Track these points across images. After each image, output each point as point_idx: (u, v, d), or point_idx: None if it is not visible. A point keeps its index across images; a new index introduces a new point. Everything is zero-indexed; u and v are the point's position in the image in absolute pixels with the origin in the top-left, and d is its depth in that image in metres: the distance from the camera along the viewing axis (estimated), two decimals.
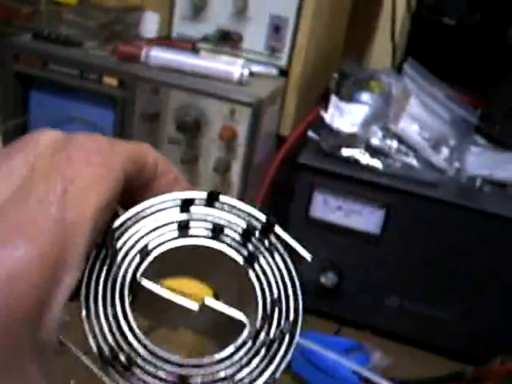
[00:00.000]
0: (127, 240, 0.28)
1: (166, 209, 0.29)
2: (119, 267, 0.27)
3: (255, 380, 0.26)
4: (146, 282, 0.28)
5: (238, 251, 0.29)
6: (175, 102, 0.88)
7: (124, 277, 0.27)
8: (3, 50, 0.91)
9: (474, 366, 0.77)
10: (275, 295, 0.28)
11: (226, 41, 0.96)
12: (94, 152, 0.26)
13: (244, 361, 0.27)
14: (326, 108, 0.90)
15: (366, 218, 0.85)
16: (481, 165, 0.86)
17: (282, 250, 0.29)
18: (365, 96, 0.95)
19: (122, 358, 0.26)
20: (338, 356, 0.80)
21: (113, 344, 0.26)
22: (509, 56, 0.95)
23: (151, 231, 0.29)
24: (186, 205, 0.29)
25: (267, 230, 0.29)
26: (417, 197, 0.82)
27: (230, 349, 0.27)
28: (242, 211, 0.30)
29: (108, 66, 0.89)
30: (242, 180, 0.90)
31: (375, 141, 0.85)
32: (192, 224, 0.29)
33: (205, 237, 0.29)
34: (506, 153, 0.90)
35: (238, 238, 0.29)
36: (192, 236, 0.29)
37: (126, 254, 0.28)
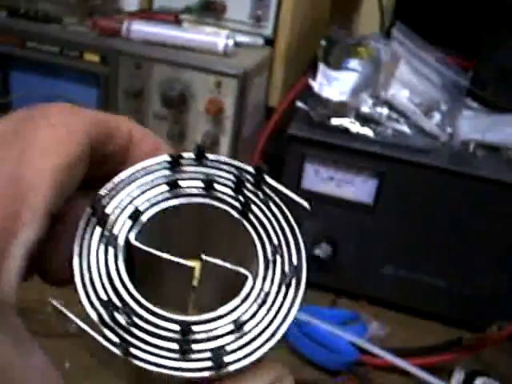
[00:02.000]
0: (117, 205, 0.28)
1: (154, 171, 0.29)
2: (111, 233, 0.27)
3: (263, 332, 0.26)
4: (138, 244, 0.27)
5: (231, 204, 0.28)
6: (159, 77, 0.85)
7: (116, 241, 0.27)
8: None
9: (472, 333, 0.76)
10: (275, 243, 0.28)
11: (209, 11, 0.93)
12: (56, 116, 0.26)
13: (251, 312, 0.26)
14: (314, 77, 0.88)
15: (358, 188, 0.84)
16: (473, 129, 0.85)
17: (276, 199, 0.29)
18: (353, 63, 0.92)
19: (121, 319, 0.25)
20: (335, 328, 0.79)
21: (109, 306, 0.25)
22: (500, 15, 0.93)
23: (141, 194, 0.28)
24: (173, 165, 0.29)
25: (259, 180, 0.29)
26: (409, 164, 0.81)
27: (235, 302, 0.26)
28: (231, 165, 0.29)
29: (88, 42, 0.87)
30: (231, 153, 0.88)
31: (365, 108, 0.83)
32: (182, 183, 0.29)
33: (196, 194, 0.29)
34: (498, 115, 0.89)
35: (229, 191, 0.29)
36: (183, 195, 0.29)
37: (117, 218, 0.27)
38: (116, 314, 0.25)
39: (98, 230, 0.27)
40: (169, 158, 0.29)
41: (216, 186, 0.29)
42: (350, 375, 0.78)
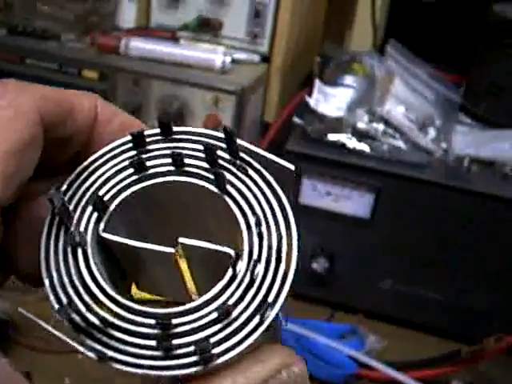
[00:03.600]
0: (80, 199, 0.25)
1: (117, 155, 0.26)
2: (77, 228, 0.25)
3: (254, 315, 0.23)
4: (106, 235, 0.25)
5: (206, 178, 0.25)
6: (157, 93, 0.86)
7: (84, 236, 0.24)
8: None
9: (469, 346, 0.77)
10: (258, 213, 0.24)
11: (206, 28, 0.94)
12: (1, 94, 0.24)
13: (237, 295, 0.23)
14: (310, 93, 0.89)
15: (355, 203, 0.84)
16: (467, 144, 0.86)
17: (255, 164, 0.25)
18: (349, 79, 0.94)
19: (95, 320, 0.23)
20: (333, 342, 0.80)
21: (82, 309, 0.23)
22: (491, 32, 0.95)
23: (105, 182, 0.25)
24: (138, 144, 0.26)
25: (232, 146, 0.25)
26: (405, 179, 0.82)
27: (219, 286, 0.23)
28: (201, 135, 0.26)
29: (87, 59, 0.88)
30: None
31: (361, 124, 0.84)
32: (149, 163, 0.26)
33: (166, 173, 0.26)
34: (492, 130, 0.90)
35: (202, 164, 0.26)
36: (152, 175, 0.26)
37: (82, 213, 0.25)
38: (89, 316, 0.23)
39: (63, 228, 0.24)
40: (131, 137, 0.26)
41: (186, 160, 0.25)
42: None
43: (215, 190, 0.25)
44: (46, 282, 0.24)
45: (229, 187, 0.25)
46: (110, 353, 0.22)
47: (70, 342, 0.23)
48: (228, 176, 0.25)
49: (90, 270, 0.24)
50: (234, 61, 0.90)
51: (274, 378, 0.22)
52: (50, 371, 0.76)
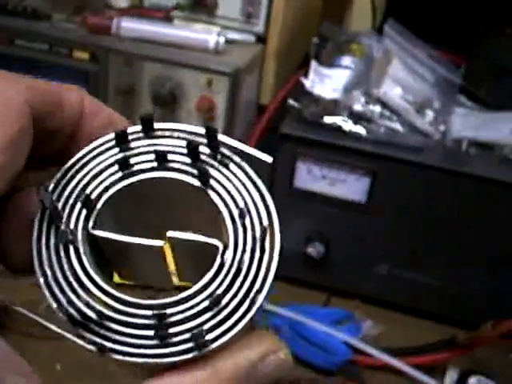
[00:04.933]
0: (68, 197, 0.26)
1: (102, 153, 0.27)
2: (67, 226, 0.26)
3: (241, 303, 0.24)
4: (97, 232, 0.26)
5: (189, 173, 0.27)
6: (150, 74, 0.84)
7: (75, 234, 0.26)
8: None
9: (466, 331, 0.76)
10: (241, 205, 0.26)
11: (200, 8, 0.92)
12: None
13: (226, 284, 0.25)
14: (306, 74, 0.87)
15: (351, 186, 0.83)
16: (466, 126, 0.84)
17: (236, 158, 0.27)
18: (346, 60, 0.92)
19: (92, 314, 0.24)
20: (328, 327, 0.79)
21: (78, 303, 0.24)
22: (492, 12, 0.92)
23: (91, 180, 0.26)
24: (121, 142, 0.27)
25: (213, 141, 0.27)
26: (402, 162, 0.80)
27: (208, 275, 0.25)
28: (182, 131, 0.27)
29: (78, 40, 0.86)
30: None
31: (358, 106, 0.82)
32: (133, 160, 0.27)
33: (150, 169, 0.27)
34: (491, 113, 0.88)
35: (185, 159, 0.27)
36: (137, 172, 0.27)
37: (71, 211, 0.26)
38: (86, 310, 0.24)
39: (54, 226, 0.26)
40: (115, 135, 0.27)
41: (169, 156, 0.27)
42: (344, 374, 0.78)
43: (199, 184, 0.26)
44: (41, 280, 0.25)
45: (212, 181, 0.26)
46: (110, 344, 0.24)
47: (71, 336, 0.24)
48: (210, 171, 0.26)
49: (83, 267, 0.25)
50: (228, 41, 0.88)
51: (262, 362, 0.25)
52: (42, 357, 0.75)
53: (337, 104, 0.83)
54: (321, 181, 0.83)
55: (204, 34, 0.87)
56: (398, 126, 0.82)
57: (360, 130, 0.81)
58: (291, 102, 0.84)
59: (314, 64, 0.88)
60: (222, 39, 0.86)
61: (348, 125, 0.82)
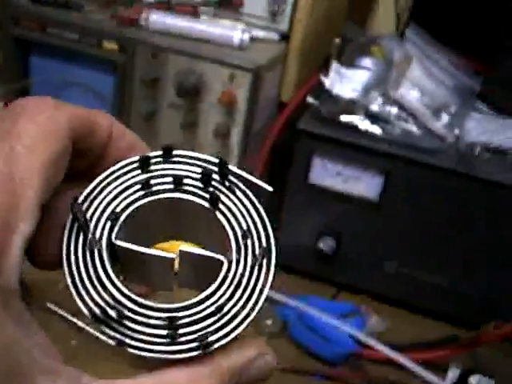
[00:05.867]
0: (95, 209, 0.30)
1: (126, 173, 0.31)
2: (93, 235, 0.29)
3: (240, 311, 0.28)
4: (120, 243, 0.29)
5: (201, 196, 0.30)
6: (175, 67, 0.87)
7: (100, 242, 0.29)
8: (2, 13, 0.91)
9: (468, 331, 0.78)
10: (244, 227, 0.30)
11: (227, 5, 0.95)
12: (39, 111, 0.28)
13: (228, 294, 0.28)
14: (326, 73, 0.89)
15: (365, 184, 0.85)
16: (481, 131, 0.86)
17: (242, 186, 0.31)
18: (366, 61, 0.94)
19: (113, 313, 0.27)
20: (334, 320, 0.81)
21: (101, 303, 0.28)
22: None
23: (116, 196, 0.30)
24: (144, 165, 0.31)
25: (223, 170, 0.31)
26: (416, 163, 0.82)
27: (213, 286, 0.29)
28: (197, 159, 0.31)
29: (107, 31, 0.89)
30: (242, 145, 0.90)
31: (375, 107, 0.84)
32: (153, 181, 0.31)
33: (167, 190, 0.31)
34: (506, 119, 0.90)
35: (198, 184, 0.31)
36: (155, 192, 0.31)
37: (97, 222, 0.30)
38: (108, 310, 0.27)
39: (82, 234, 0.29)
40: (140, 158, 0.31)
41: (185, 180, 0.31)
42: (348, 366, 0.80)
43: (209, 206, 0.30)
44: (69, 280, 0.28)
45: (220, 205, 0.30)
46: (127, 340, 0.27)
47: (93, 332, 0.29)
48: (220, 195, 0.30)
49: (106, 271, 0.29)
50: (252, 38, 0.90)
51: (253, 362, 0.29)
52: (58, 332, 0.78)
53: (355, 103, 0.85)
54: (335, 177, 0.86)
55: (229, 31, 0.89)
56: (413, 128, 0.84)
57: (376, 129, 0.84)
58: (310, 99, 0.86)
59: (334, 64, 0.90)
60: (246, 36, 0.88)
61: (364, 124, 0.84)
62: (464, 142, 0.84)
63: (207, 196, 0.30)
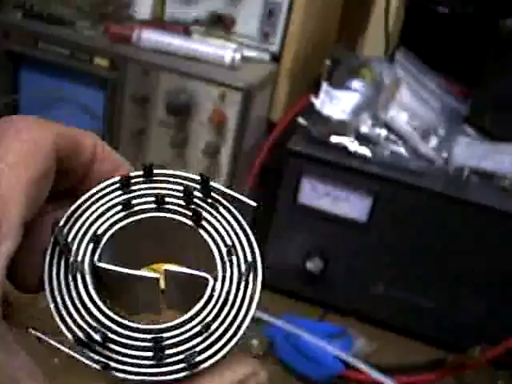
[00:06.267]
0: (77, 232, 0.29)
1: (107, 194, 0.30)
2: (75, 258, 0.29)
3: (227, 329, 0.27)
4: (102, 264, 0.29)
5: (184, 214, 0.30)
6: (166, 85, 0.87)
7: (82, 265, 0.29)
8: None
9: (454, 354, 0.78)
10: (229, 243, 0.29)
11: (219, 24, 0.95)
12: (25, 129, 0.27)
13: (215, 312, 0.28)
14: (316, 94, 0.90)
15: (353, 206, 0.85)
16: (469, 155, 0.87)
17: (225, 202, 0.30)
18: (356, 83, 0.95)
19: (97, 337, 0.27)
20: (321, 341, 0.81)
21: (85, 327, 0.27)
22: (501, 47, 0.95)
23: (98, 218, 0.30)
24: (125, 185, 0.30)
25: (205, 187, 0.30)
26: (404, 185, 0.83)
27: (200, 304, 0.28)
28: (179, 177, 0.31)
29: (99, 47, 0.89)
30: (231, 164, 0.90)
31: (364, 129, 0.85)
32: (135, 201, 0.30)
33: (149, 209, 0.30)
34: (494, 144, 0.90)
35: (180, 202, 0.30)
36: (138, 212, 0.30)
37: (79, 244, 0.29)
38: (92, 333, 0.27)
39: (64, 258, 0.28)
40: (120, 179, 0.30)
41: (167, 199, 0.30)
42: None
43: (192, 224, 0.30)
44: (52, 305, 0.28)
45: (204, 222, 0.30)
46: (112, 364, 0.26)
47: (77, 356, 0.27)
48: (203, 213, 0.30)
49: (90, 294, 0.28)
50: (243, 58, 0.91)
51: (244, 382, 0.28)
52: (40, 350, 0.77)
53: (344, 125, 0.86)
54: (324, 198, 0.86)
55: (221, 50, 0.89)
56: (402, 150, 0.85)
57: (365, 151, 0.84)
58: (300, 120, 0.87)
59: (325, 85, 0.91)
60: (237, 55, 0.89)
61: (354, 146, 0.84)
62: (452, 165, 0.85)
63: (190, 213, 0.30)
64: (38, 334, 0.28)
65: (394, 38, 1.20)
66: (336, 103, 0.89)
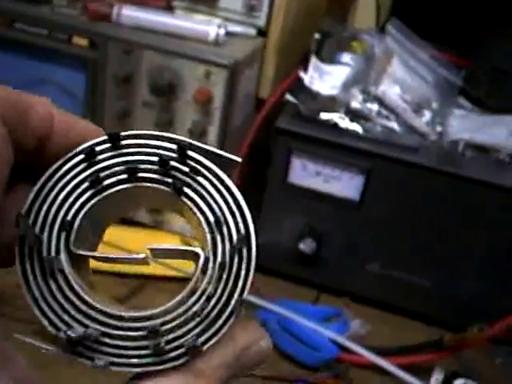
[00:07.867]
0: (44, 221, 0.26)
1: (70, 169, 0.27)
2: (48, 249, 0.26)
3: (226, 306, 0.26)
4: (82, 252, 0.26)
5: (162, 182, 0.27)
6: (148, 64, 0.84)
7: (58, 259, 0.26)
8: None
9: (452, 333, 0.76)
10: (218, 213, 0.26)
11: None
12: None
13: (209, 290, 0.26)
14: (305, 69, 0.87)
15: (345, 184, 0.83)
16: (463, 128, 0.84)
17: (209, 164, 0.27)
18: (346, 57, 0.91)
19: (90, 333, 0.25)
20: (316, 325, 0.79)
21: (76, 325, 0.25)
22: (496, 15, 0.92)
23: (64, 200, 0.26)
24: (90, 157, 0.27)
25: (183, 154, 0.27)
26: (397, 162, 0.80)
27: (192, 283, 0.26)
28: (149, 137, 0.27)
29: (78, 26, 0.85)
30: (219, 144, 0.87)
31: (355, 104, 0.82)
32: (103, 174, 0.27)
33: (121, 181, 0.27)
34: (489, 116, 0.88)
35: (155, 168, 0.27)
36: (108, 186, 0.27)
37: (50, 235, 0.26)
38: (85, 331, 0.25)
39: (36, 251, 0.26)
40: (81, 151, 0.27)
41: (140, 166, 0.27)
42: (330, 372, 0.78)
43: (171, 191, 0.27)
44: (36, 310, 0.25)
45: (187, 190, 0.27)
46: (111, 358, 0.25)
47: (70, 358, 0.25)
48: (183, 177, 0.27)
49: (72, 288, 0.26)
50: (228, 33, 0.87)
51: (246, 350, 0.27)
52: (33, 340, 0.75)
53: (334, 101, 0.83)
54: (315, 177, 0.83)
55: (204, 26, 0.86)
56: (394, 126, 0.82)
57: (356, 127, 0.81)
58: (288, 96, 0.84)
59: (313, 60, 0.88)
60: (222, 31, 0.86)
61: (345, 122, 0.82)
62: (447, 139, 0.82)
63: (169, 180, 0.27)
64: (25, 339, 0.26)
65: (386, 9, 1.17)
66: (326, 78, 0.86)
